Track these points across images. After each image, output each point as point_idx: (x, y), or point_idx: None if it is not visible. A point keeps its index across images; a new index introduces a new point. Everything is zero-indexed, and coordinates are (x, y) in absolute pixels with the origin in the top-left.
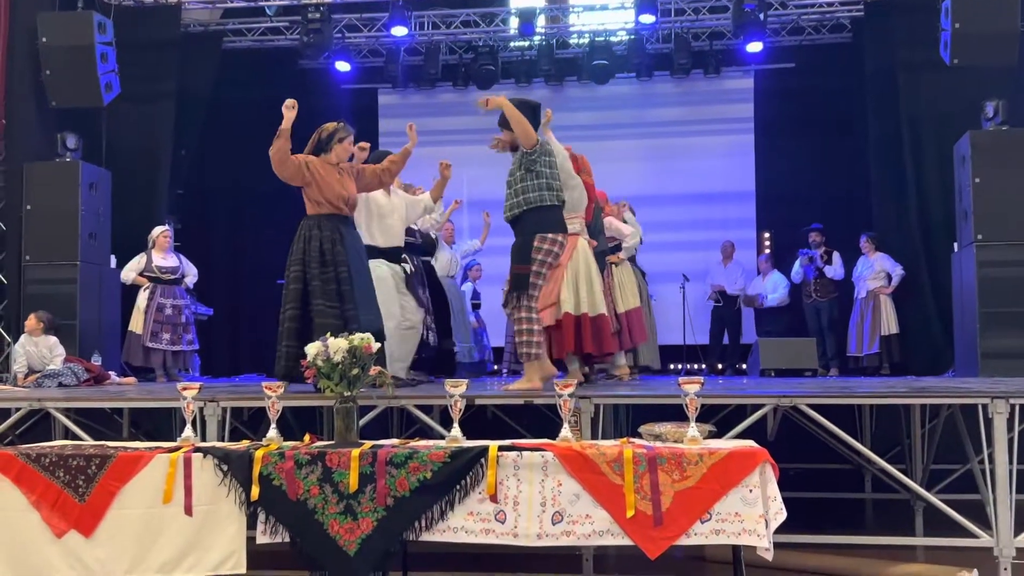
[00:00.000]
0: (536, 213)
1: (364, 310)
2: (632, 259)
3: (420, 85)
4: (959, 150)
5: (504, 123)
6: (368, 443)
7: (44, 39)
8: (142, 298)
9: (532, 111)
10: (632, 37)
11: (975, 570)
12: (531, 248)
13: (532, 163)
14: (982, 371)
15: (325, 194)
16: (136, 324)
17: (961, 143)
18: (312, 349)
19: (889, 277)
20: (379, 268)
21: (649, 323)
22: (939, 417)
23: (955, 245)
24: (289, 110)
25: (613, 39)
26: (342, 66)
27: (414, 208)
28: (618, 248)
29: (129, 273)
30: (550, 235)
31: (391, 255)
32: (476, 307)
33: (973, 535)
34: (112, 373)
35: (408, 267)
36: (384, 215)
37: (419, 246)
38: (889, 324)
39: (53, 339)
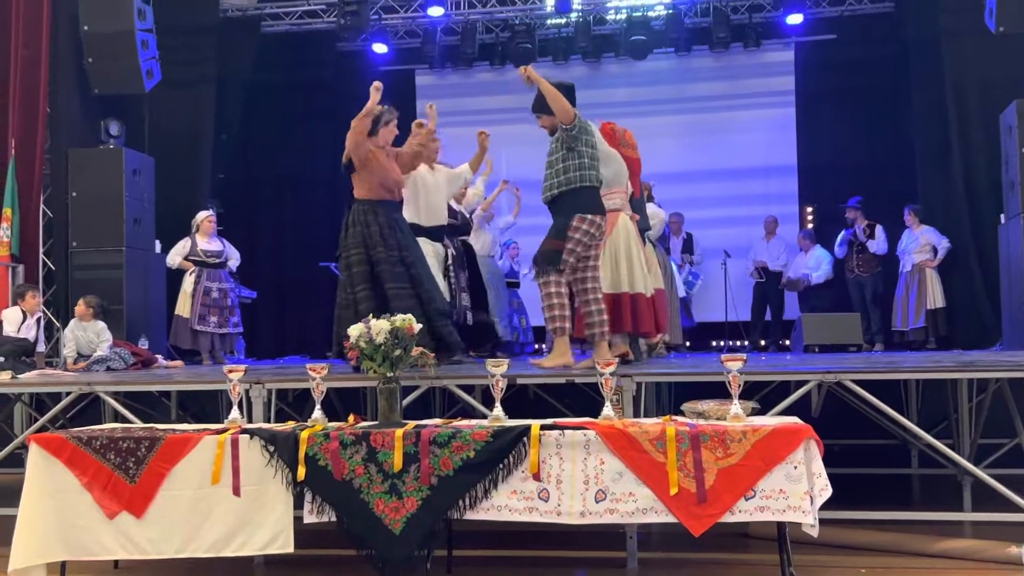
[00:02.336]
0: (575, 194)
1: (437, 292)
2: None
3: (457, 65)
4: (1006, 119)
5: (538, 108)
6: (411, 423)
7: (86, 27)
8: (188, 282)
9: (567, 91)
10: (670, 12)
11: None
12: (568, 227)
13: (573, 140)
14: None
15: (381, 179)
16: (183, 308)
17: (1008, 112)
18: (355, 331)
19: (935, 250)
20: (426, 246)
21: (671, 302)
22: (987, 391)
23: (1002, 216)
24: (376, 92)
25: (651, 14)
26: (379, 48)
27: (455, 182)
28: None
29: (175, 257)
30: (589, 216)
31: (434, 233)
32: (515, 286)
33: (1022, 509)
34: (159, 357)
35: (451, 250)
36: (430, 192)
37: (459, 227)
38: (935, 298)
39: (101, 324)
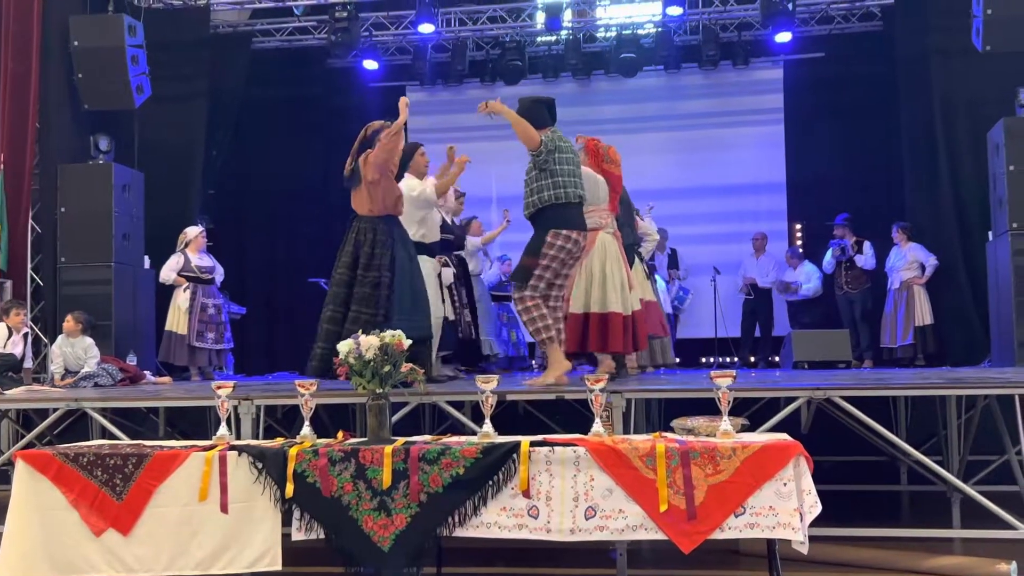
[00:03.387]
0: (551, 211)
1: (399, 315)
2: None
3: (448, 82)
4: (993, 137)
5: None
6: (401, 440)
7: (76, 42)
8: (183, 298)
9: (547, 107)
10: (659, 29)
11: (1014, 562)
12: (543, 243)
13: (543, 163)
14: (1019, 361)
15: (389, 195)
16: (178, 324)
17: (995, 130)
18: (344, 347)
19: (922, 267)
20: (426, 264)
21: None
22: (975, 408)
23: (990, 234)
24: (404, 107)
25: (640, 32)
26: (370, 64)
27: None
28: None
29: (170, 273)
30: (564, 231)
31: (434, 250)
32: (507, 300)
33: (1011, 526)
34: (147, 373)
35: (452, 269)
36: (435, 211)
37: (453, 243)
38: (923, 315)
39: (89, 340)
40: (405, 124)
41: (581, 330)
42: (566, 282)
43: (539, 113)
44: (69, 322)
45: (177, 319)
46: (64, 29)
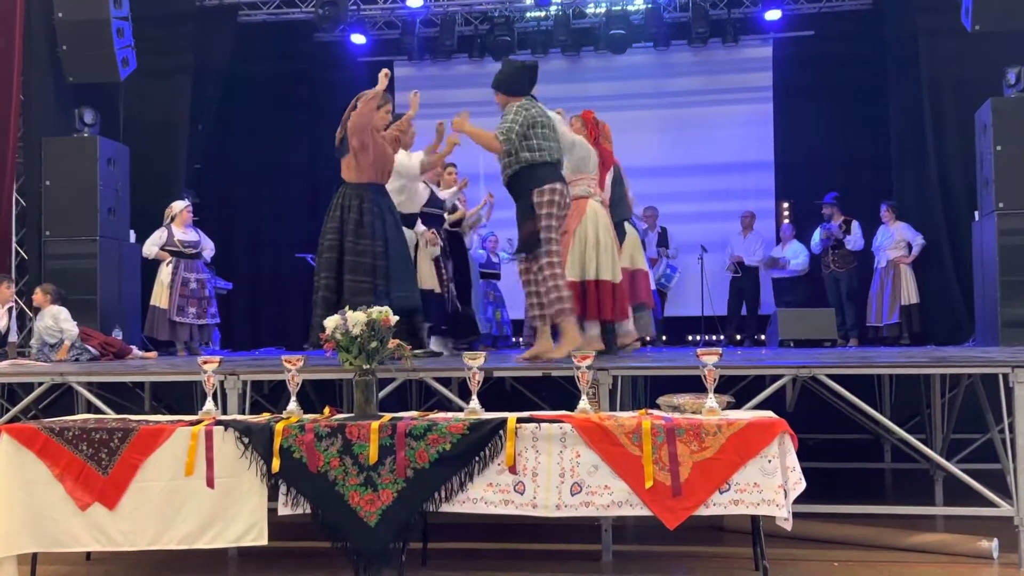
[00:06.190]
0: (530, 170)
1: (396, 286)
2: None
3: (436, 57)
4: (980, 117)
5: (496, 85)
6: (387, 415)
7: (60, 14)
8: (166, 273)
9: (529, 75)
10: (649, 6)
11: (995, 539)
12: (531, 204)
13: (517, 143)
14: (1003, 340)
15: (376, 162)
16: (160, 299)
17: (982, 110)
18: (331, 322)
19: (909, 246)
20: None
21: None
22: (959, 387)
23: (976, 214)
24: (384, 78)
25: (630, 8)
26: (357, 39)
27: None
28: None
29: (152, 248)
30: (547, 186)
31: (411, 221)
32: (494, 277)
33: (993, 504)
34: (133, 347)
35: (440, 240)
36: (417, 183)
37: (442, 216)
38: (909, 294)
39: (57, 308)
40: (386, 97)
41: (579, 297)
42: (558, 239)
43: (519, 81)
44: (37, 295)
45: (160, 293)
46: (48, 1)
